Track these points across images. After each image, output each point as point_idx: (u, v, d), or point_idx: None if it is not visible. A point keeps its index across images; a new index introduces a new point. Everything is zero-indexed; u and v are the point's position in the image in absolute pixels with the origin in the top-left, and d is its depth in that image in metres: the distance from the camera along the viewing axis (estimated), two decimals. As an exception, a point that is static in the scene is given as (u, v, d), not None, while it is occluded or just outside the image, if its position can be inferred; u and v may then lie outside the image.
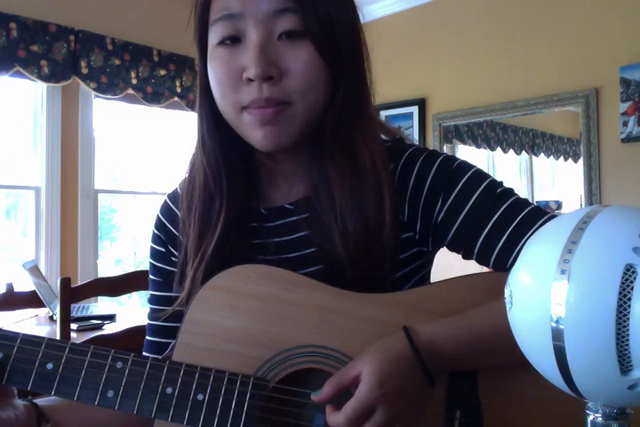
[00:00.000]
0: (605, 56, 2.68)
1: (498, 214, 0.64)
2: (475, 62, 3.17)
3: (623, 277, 0.32)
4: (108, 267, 3.45)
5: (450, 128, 3.34)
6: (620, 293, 0.32)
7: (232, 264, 0.66)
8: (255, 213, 0.73)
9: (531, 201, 0.67)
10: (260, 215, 0.73)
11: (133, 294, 2.94)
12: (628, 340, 0.32)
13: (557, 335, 0.34)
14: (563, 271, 0.34)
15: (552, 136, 3.13)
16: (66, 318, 1.72)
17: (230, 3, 0.62)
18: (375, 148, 0.67)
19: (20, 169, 3.01)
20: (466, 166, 0.68)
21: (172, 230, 0.77)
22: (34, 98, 3.00)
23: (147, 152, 3.54)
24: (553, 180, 3.18)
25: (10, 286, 2.15)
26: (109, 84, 3.10)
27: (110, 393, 0.61)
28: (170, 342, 0.76)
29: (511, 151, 3.24)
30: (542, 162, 3.16)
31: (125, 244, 3.66)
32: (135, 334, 1.50)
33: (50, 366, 0.62)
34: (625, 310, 0.32)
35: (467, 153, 3.31)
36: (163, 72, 3.34)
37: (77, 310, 2.27)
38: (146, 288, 0.81)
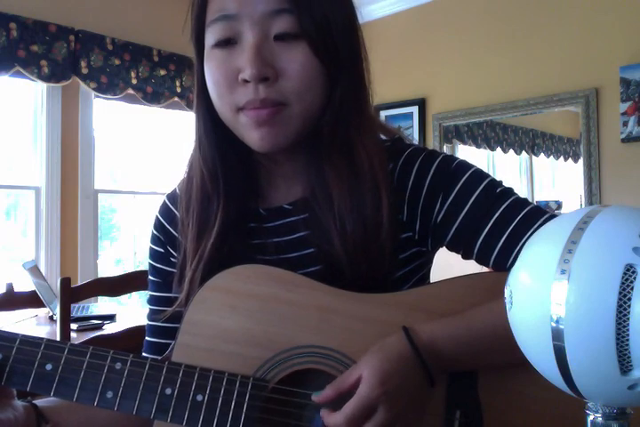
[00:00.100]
0: (605, 56, 2.68)
1: (497, 214, 0.64)
2: (475, 62, 3.17)
3: (623, 277, 0.32)
4: (108, 267, 3.45)
5: (450, 128, 3.34)
6: (620, 293, 0.32)
7: (231, 264, 0.66)
8: (254, 214, 0.73)
9: (530, 201, 0.66)
10: (259, 216, 0.73)
11: (133, 294, 2.94)
12: (627, 340, 0.32)
13: (557, 335, 0.34)
14: (563, 271, 0.34)
15: (552, 136, 3.13)
16: (66, 318, 1.72)
17: (226, 4, 0.62)
18: (373, 148, 0.67)
19: (20, 169, 3.01)
20: (465, 166, 0.68)
21: (170, 231, 0.77)
22: (34, 98, 3.00)
23: (147, 152, 3.54)
24: (553, 180, 3.18)
25: (10, 286, 2.14)
26: (109, 84, 3.10)
27: (109, 394, 0.61)
28: (169, 343, 0.76)
29: (511, 151, 3.24)
30: (542, 162, 3.16)
31: (125, 244, 3.66)
32: (135, 334, 1.50)
33: (49, 366, 0.62)
34: (625, 310, 0.32)
35: (467, 153, 3.31)
36: (163, 72, 3.34)
37: (77, 310, 2.27)
38: (146, 288, 0.81)
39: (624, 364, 0.33)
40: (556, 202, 3.02)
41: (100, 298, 2.68)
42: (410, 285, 0.70)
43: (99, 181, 3.24)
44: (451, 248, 0.69)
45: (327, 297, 0.63)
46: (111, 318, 2.22)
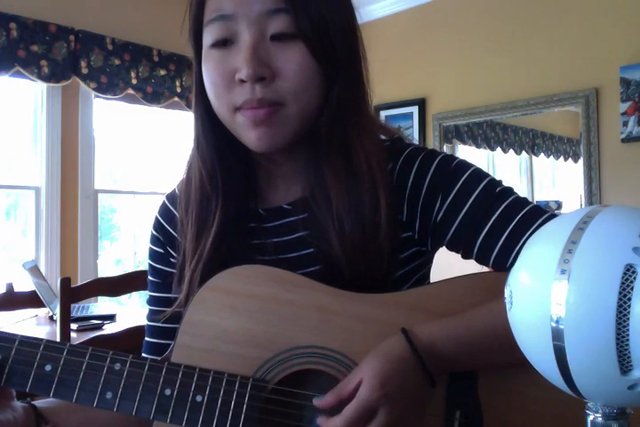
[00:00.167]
0: (605, 56, 2.68)
1: (497, 214, 0.64)
2: (475, 62, 3.17)
3: (623, 277, 0.32)
4: (108, 267, 3.45)
5: (450, 128, 3.34)
6: (620, 293, 0.32)
7: (230, 265, 0.66)
8: (254, 214, 0.73)
9: (530, 200, 0.66)
10: (259, 216, 0.72)
11: (133, 294, 2.94)
12: (627, 340, 0.32)
13: (557, 335, 0.34)
14: (563, 271, 0.34)
15: (552, 136, 3.13)
16: (66, 318, 1.72)
17: (223, 3, 0.62)
18: (371, 148, 0.67)
19: (20, 169, 3.01)
20: (465, 165, 0.68)
21: (170, 232, 0.77)
22: (34, 98, 3.00)
23: (147, 152, 3.54)
24: (553, 180, 3.18)
25: (10, 286, 2.14)
26: (109, 84, 3.10)
27: (109, 395, 0.61)
28: (169, 344, 0.76)
29: (511, 151, 3.24)
30: (542, 162, 3.16)
31: (125, 244, 3.66)
32: (135, 334, 1.50)
33: (48, 367, 0.62)
34: (625, 310, 0.32)
35: (467, 153, 3.31)
36: (163, 72, 3.34)
37: (77, 310, 2.27)
38: (146, 288, 0.81)
39: (624, 364, 0.33)
40: (556, 202, 3.02)
41: (100, 298, 2.68)
42: (410, 284, 0.70)
43: (99, 181, 3.24)
44: (450, 248, 0.69)
45: (327, 297, 0.63)
46: (111, 318, 2.22)
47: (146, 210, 3.48)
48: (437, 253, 0.75)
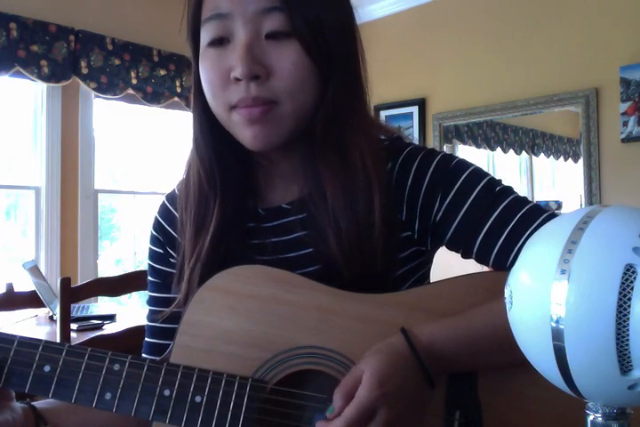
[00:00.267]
0: (605, 56, 2.68)
1: (497, 213, 0.64)
2: (475, 62, 3.17)
3: (623, 277, 0.32)
4: (108, 267, 3.45)
5: (450, 128, 3.34)
6: (620, 293, 0.32)
7: (230, 264, 0.66)
8: (253, 214, 0.72)
9: (530, 200, 0.66)
10: (258, 216, 0.72)
11: (133, 294, 2.94)
12: (627, 340, 0.32)
13: (557, 335, 0.34)
14: (563, 271, 0.34)
15: (552, 136, 3.13)
16: (66, 318, 1.72)
17: (220, 2, 0.62)
18: (367, 147, 0.66)
19: (20, 169, 3.01)
20: (464, 165, 0.68)
21: (170, 232, 0.77)
22: (34, 98, 3.00)
23: (147, 152, 3.54)
24: (553, 180, 3.18)
25: (10, 286, 2.14)
26: (109, 84, 3.10)
27: (108, 396, 0.61)
28: (169, 344, 0.76)
29: (511, 151, 3.24)
30: (542, 162, 3.16)
31: (125, 244, 3.66)
32: (135, 334, 1.50)
33: (47, 368, 0.62)
34: (625, 310, 0.32)
35: (467, 153, 3.30)
36: (163, 72, 3.34)
37: (77, 310, 2.27)
38: (146, 288, 0.81)
39: (624, 364, 0.33)
40: (556, 202, 3.02)
41: (100, 298, 2.68)
42: (409, 284, 0.70)
43: (99, 181, 3.24)
44: (450, 247, 0.68)
45: (326, 297, 0.63)
46: (111, 318, 2.22)
47: (146, 210, 3.48)
48: (437, 252, 0.75)
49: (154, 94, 3.30)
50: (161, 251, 0.78)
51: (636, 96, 2.57)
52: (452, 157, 0.69)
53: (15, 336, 0.63)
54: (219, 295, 0.65)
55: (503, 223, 0.63)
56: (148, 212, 3.38)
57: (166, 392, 0.61)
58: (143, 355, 0.78)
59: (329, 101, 0.65)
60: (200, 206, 0.70)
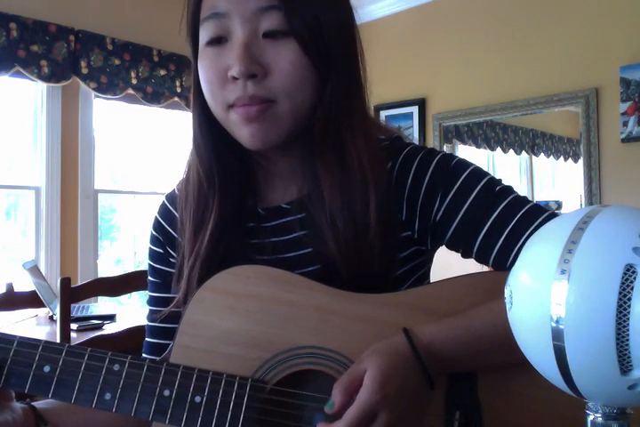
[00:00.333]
0: (605, 56, 2.68)
1: (497, 212, 0.64)
2: (475, 62, 3.17)
3: (623, 277, 0.32)
4: (108, 267, 3.45)
5: (450, 128, 3.34)
6: (620, 293, 0.32)
7: (229, 264, 0.66)
8: (253, 214, 0.73)
9: (530, 199, 0.66)
10: (258, 215, 0.72)
11: (133, 294, 2.94)
12: (628, 340, 0.32)
13: (557, 335, 0.34)
14: (563, 271, 0.34)
15: (552, 136, 3.13)
16: (66, 318, 1.72)
17: (218, 2, 0.62)
18: (364, 147, 0.66)
19: (20, 169, 3.01)
20: (464, 164, 0.68)
21: (170, 232, 0.77)
22: (34, 98, 3.00)
23: (147, 152, 3.54)
24: (553, 180, 3.18)
25: (10, 286, 2.14)
26: (109, 84, 3.10)
27: (108, 396, 0.61)
28: (169, 344, 0.76)
29: (511, 151, 3.24)
30: (542, 162, 3.16)
31: (125, 244, 3.66)
32: (135, 334, 1.50)
33: (47, 368, 0.61)
34: (625, 310, 0.32)
35: (467, 153, 3.30)
36: (163, 72, 3.34)
37: (77, 310, 2.27)
38: (146, 288, 0.81)
39: (624, 364, 0.33)
40: (556, 202, 3.02)
41: (100, 298, 2.68)
42: (409, 284, 0.70)
43: (99, 181, 3.24)
44: (450, 247, 0.68)
45: (326, 297, 0.63)
46: (111, 318, 2.22)
47: (146, 210, 3.48)
48: (437, 252, 0.75)
49: (154, 94, 3.30)
50: (161, 251, 0.78)
51: (635, 96, 2.57)
52: (451, 156, 0.69)
53: (15, 336, 0.63)
54: (218, 295, 0.65)
55: (503, 223, 0.63)
56: (148, 212, 3.38)
57: (166, 392, 0.61)
58: (143, 355, 0.78)
59: (327, 101, 0.65)
60: (199, 205, 0.70)
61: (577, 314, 0.33)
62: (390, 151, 0.69)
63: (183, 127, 3.52)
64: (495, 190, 0.65)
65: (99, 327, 2.09)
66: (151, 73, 3.29)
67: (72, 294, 1.76)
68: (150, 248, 0.79)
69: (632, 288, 0.32)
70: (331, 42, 0.64)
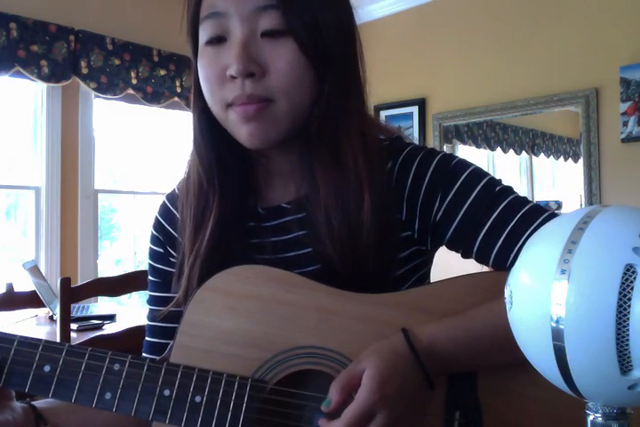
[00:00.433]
0: (605, 56, 2.68)
1: (497, 213, 0.64)
2: (475, 62, 3.17)
3: (623, 277, 0.32)
4: (108, 267, 3.45)
5: (450, 128, 3.34)
6: (620, 293, 0.32)
7: (229, 264, 0.66)
8: (253, 213, 0.73)
9: (530, 199, 0.66)
10: (258, 215, 0.73)
11: (133, 294, 2.94)
12: (628, 340, 0.32)
13: (557, 335, 0.34)
14: (563, 271, 0.34)
15: (552, 136, 3.13)
16: (66, 318, 1.72)
17: (216, 1, 0.62)
18: (360, 147, 0.66)
19: (20, 169, 3.01)
20: (464, 164, 0.68)
21: (170, 231, 0.77)
22: (34, 98, 3.00)
23: (147, 152, 3.54)
24: (553, 180, 3.18)
25: (10, 286, 2.14)
26: (109, 84, 3.10)
27: (108, 395, 0.61)
28: (169, 343, 0.76)
29: (511, 151, 3.24)
30: (542, 162, 3.16)
31: (125, 244, 3.66)
32: (135, 334, 1.50)
33: (47, 368, 0.61)
34: (625, 310, 0.32)
35: (467, 153, 3.30)
36: (163, 72, 3.34)
37: (77, 310, 2.27)
38: (146, 288, 0.81)
39: (624, 364, 0.33)
40: (556, 202, 3.02)
41: (100, 298, 2.68)
42: (409, 284, 0.70)
43: (99, 181, 3.24)
44: (450, 247, 0.68)
45: (326, 297, 0.63)
46: (111, 318, 2.22)
47: (146, 210, 3.48)
48: (437, 252, 0.75)
49: (154, 94, 3.30)
50: (161, 250, 0.78)
51: (636, 96, 2.57)
52: (452, 156, 0.69)
53: (15, 336, 0.63)
54: (218, 296, 0.65)
55: (503, 223, 0.63)
56: (148, 212, 3.38)
57: (166, 392, 0.61)
58: (143, 354, 0.79)
59: (324, 100, 0.65)
60: (200, 203, 0.70)
61: (577, 314, 0.33)
62: (390, 151, 0.69)
63: (183, 127, 3.52)
64: (495, 191, 0.65)
65: (99, 327, 2.09)
66: (151, 73, 3.29)
67: (72, 294, 1.76)
68: (150, 248, 0.80)
69: (632, 288, 0.32)
70: (329, 41, 0.64)
